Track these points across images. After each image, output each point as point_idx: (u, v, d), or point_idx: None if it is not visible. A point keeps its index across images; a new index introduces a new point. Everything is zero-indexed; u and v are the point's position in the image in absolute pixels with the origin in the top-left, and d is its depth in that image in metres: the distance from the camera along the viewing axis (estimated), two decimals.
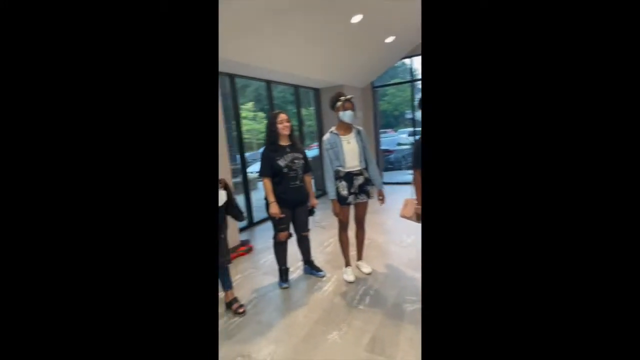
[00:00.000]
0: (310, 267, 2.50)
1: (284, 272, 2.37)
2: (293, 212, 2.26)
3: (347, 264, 2.40)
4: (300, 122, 5.06)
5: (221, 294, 2.16)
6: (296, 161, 2.20)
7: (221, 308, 2.11)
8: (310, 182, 2.40)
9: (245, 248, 3.11)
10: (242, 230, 3.73)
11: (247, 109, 7.10)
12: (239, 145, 3.87)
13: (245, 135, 4.21)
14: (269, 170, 2.16)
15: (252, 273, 2.66)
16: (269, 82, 4.30)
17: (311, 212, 2.36)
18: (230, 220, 2.01)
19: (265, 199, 2.20)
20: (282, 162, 2.15)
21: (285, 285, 2.34)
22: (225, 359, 1.62)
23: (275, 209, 2.15)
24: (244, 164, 3.92)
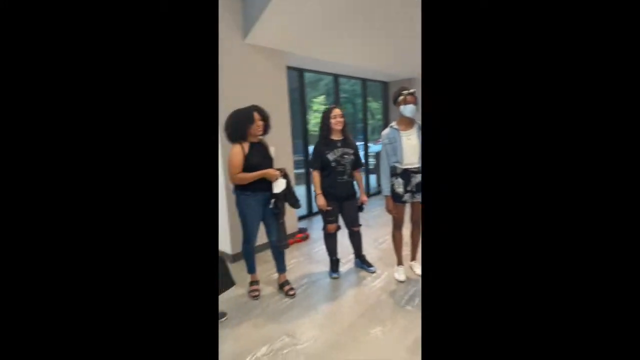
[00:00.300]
0: (361, 262, 2.51)
1: (334, 263, 2.43)
2: (341, 206, 2.29)
3: (399, 262, 2.35)
4: (365, 116, 5.02)
5: (275, 275, 2.32)
6: (345, 156, 2.23)
7: (274, 288, 2.27)
8: (361, 178, 2.41)
9: (302, 235, 3.27)
10: (301, 218, 3.90)
11: (318, 102, 7.28)
12: (304, 138, 4.03)
13: (314, 129, 4.34)
14: (319, 163, 2.23)
15: (306, 260, 2.79)
16: (336, 76, 4.35)
17: (360, 208, 2.36)
18: (288, 208, 2.13)
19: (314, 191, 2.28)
20: (331, 156, 2.20)
21: (335, 275, 2.40)
22: (273, 336, 1.75)
23: (321, 201, 2.22)
24: (307, 156, 4.07)
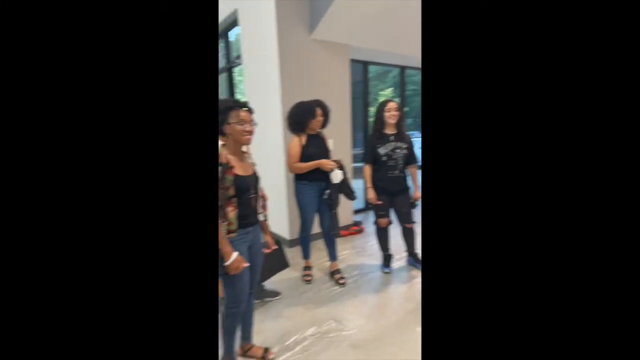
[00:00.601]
0: (414, 260, 2.45)
1: (386, 258, 2.42)
2: (392, 201, 2.26)
3: None
4: None
5: (327, 263, 2.41)
6: (397, 150, 2.17)
7: (325, 275, 2.37)
8: (416, 174, 2.33)
9: (357, 228, 3.30)
10: (357, 212, 3.93)
11: (385, 95, 7.16)
12: (365, 132, 4.01)
13: None
14: (370, 157, 2.22)
15: (359, 252, 2.82)
16: (402, 68, 4.22)
17: (413, 204, 2.29)
18: (343, 200, 2.19)
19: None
20: (382, 150, 2.17)
21: (387, 270, 2.40)
22: (321, 319, 1.85)
23: (371, 194, 2.21)
24: None
